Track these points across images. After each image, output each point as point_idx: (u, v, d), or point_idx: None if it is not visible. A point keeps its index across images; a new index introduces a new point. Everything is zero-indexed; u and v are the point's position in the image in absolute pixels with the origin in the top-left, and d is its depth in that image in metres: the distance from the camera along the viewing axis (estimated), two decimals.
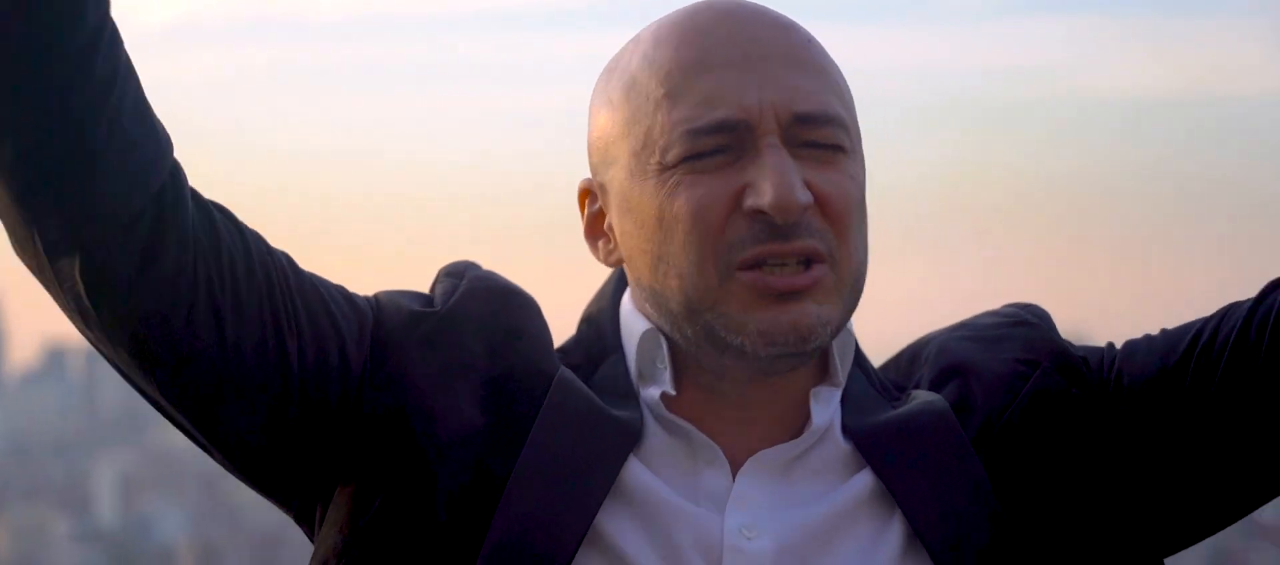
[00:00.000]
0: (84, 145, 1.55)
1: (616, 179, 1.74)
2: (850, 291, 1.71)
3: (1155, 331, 1.80)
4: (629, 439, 1.70)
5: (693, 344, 1.72)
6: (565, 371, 1.74)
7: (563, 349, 1.81)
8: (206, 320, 1.62)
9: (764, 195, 1.65)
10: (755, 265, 1.67)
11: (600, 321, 1.81)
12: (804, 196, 1.65)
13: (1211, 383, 1.71)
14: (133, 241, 1.58)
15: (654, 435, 1.72)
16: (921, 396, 1.77)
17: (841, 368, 1.76)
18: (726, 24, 1.72)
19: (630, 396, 1.74)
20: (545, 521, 1.65)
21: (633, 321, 1.77)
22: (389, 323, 1.73)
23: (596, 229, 1.79)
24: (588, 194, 1.80)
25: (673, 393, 1.73)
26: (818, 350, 1.71)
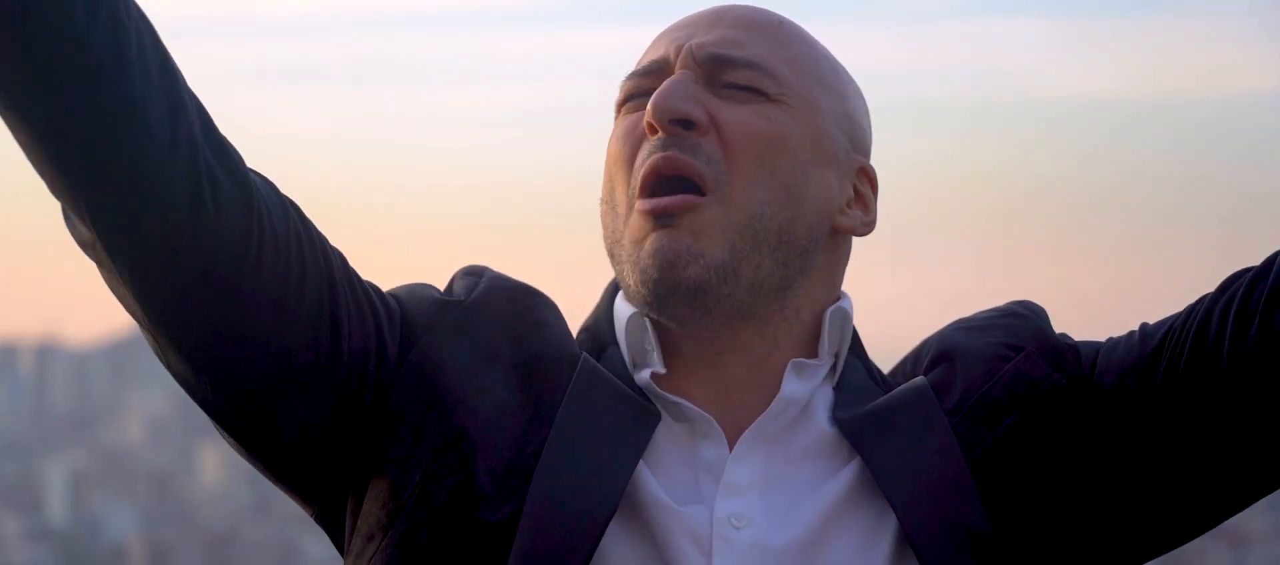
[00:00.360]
0: (117, 95, 1.55)
1: None
2: (742, 232, 1.71)
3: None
4: (652, 417, 1.72)
5: (623, 289, 1.77)
6: (588, 357, 1.76)
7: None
8: (271, 288, 1.64)
9: (648, 108, 1.71)
10: (648, 192, 1.72)
11: (597, 326, 1.83)
12: (683, 105, 1.70)
13: (1176, 376, 1.72)
14: (191, 190, 1.58)
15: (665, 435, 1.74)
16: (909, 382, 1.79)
17: (829, 345, 1.78)
18: (710, 5, 1.82)
19: (631, 384, 1.76)
20: (578, 493, 1.67)
21: (622, 310, 1.79)
22: (413, 312, 1.75)
23: None
24: None
25: (663, 371, 1.75)
26: (697, 289, 1.71)
